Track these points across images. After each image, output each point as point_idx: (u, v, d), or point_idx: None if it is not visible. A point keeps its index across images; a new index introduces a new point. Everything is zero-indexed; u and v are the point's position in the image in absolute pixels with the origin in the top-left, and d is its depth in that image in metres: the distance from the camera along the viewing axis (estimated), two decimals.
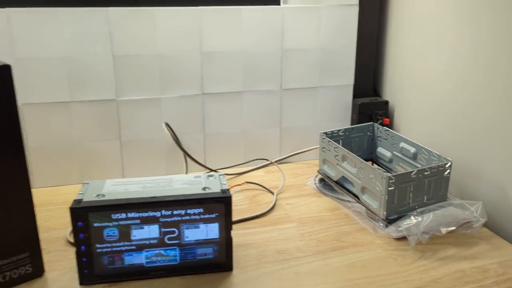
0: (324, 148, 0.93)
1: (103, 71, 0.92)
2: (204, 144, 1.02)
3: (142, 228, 0.62)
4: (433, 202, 0.79)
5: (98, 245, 0.61)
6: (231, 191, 0.92)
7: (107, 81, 0.92)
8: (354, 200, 0.85)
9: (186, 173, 0.98)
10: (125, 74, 0.93)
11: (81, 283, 0.63)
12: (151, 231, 0.62)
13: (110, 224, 0.61)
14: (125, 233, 0.62)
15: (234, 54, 0.98)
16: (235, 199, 0.89)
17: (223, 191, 0.64)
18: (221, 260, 0.65)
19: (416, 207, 0.78)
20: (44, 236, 0.76)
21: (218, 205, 0.63)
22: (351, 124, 1.10)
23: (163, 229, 0.62)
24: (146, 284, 0.63)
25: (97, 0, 0.97)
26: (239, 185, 0.93)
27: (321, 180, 0.96)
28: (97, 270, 0.62)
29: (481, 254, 0.70)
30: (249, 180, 0.96)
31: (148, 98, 0.96)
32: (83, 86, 0.91)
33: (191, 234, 0.63)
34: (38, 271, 0.65)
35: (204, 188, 0.65)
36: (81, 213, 0.60)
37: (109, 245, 0.62)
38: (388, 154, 0.95)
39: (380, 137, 0.97)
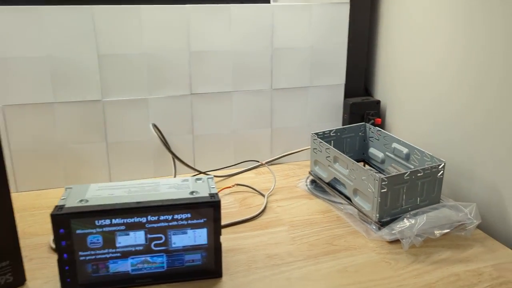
0: (316, 149, 0.91)
1: (88, 71, 0.89)
2: (193, 145, 1.00)
3: (128, 234, 0.60)
4: (426, 204, 0.77)
5: (81, 253, 0.59)
6: (221, 194, 0.90)
7: (92, 81, 0.90)
8: (346, 202, 0.83)
9: (175, 175, 0.96)
10: (111, 74, 0.90)
11: None
12: (137, 238, 0.60)
13: (94, 230, 0.58)
14: (109, 240, 0.59)
15: (223, 53, 0.96)
16: (225, 202, 0.87)
17: (212, 195, 0.62)
18: (210, 266, 0.63)
19: (409, 209, 0.76)
20: (26, 242, 0.73)
21: (207, 210, 0.61)
22: (343, 124, 1.09)
23: (149, 235, 0.60)
24: None
25: None
26: (229, 187, 0.91)
27: (313, 181, 0.94)
28: (80, 279, 0.60)
29: (475, 256, 0.69)
30: (239, 182, 0.94)
31: (135, 98, 0.93)
32: (67, 87, 0.89)
33: (179, 240, 0.61)
34: (19, 280, 0.62)
35: (192, 192, 0.63)
36: (63, 220, 0.57)
37: (92, 252, 0.59)
38: (380, 154, 0.94)
39: (372, 137, 0.95)
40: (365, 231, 0.76)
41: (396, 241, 0.72)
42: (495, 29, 0.75)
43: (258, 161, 1.04)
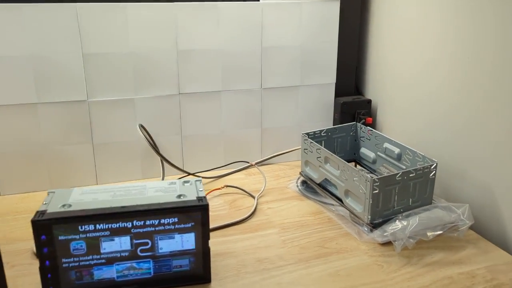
0: (306, 149, 0.90)
1: (72, 70, 0.86)
2: (181, 146, 0.98)
3: (113, 240, 0.58)
4: (418, 204, 0.76)
5: (64, 260, 0.57)
6: (210, 195, 0.88)
7: (77, 81, 0.87)
8: (338, 204, 0.82)
9: (163, 177, 0.94)
10: (96, 74, 0.88)
11: None
12: (122, 243, 0.58)
13: (77, 236, 0.56)
14: (93, 246, 0.57)
15: (212, 52, 0.94)
16: (214, 204, 0.85)
17: (199, 198, 0.60)
18: (198, 271, 0.62)
19: (401, 210, 0.75)
20: (8, 248, 0.70)
21: (194, 214, 0.59)
22: (334, 124, 1.08)
23: (135, 241, 0.58)
24: None
25: None
26: (219, 189, 0.89)
27: (304, 182, 0.93)
28: (63, 287, 0.58)
29: (468, 258, 0.68)
30: (229, 184, 0.92)
31: (121, 98, 0.91)
32: (51, 87, 0.86)
33: (166, 245, 0.59)
34: None
35: (179, 196, 0.61)
36: (45, 226, 0.55)
37: (76, 259, 0.57)
38: (371, 155, 0.92)
39: (363, 137, 0.94)
40: (356, 233, 0.75)
41: (388, 243, 0.71)
42: (484, 27, 0.74)
43: (248, 162, 1.02)
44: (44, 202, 0.59)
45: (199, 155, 0.99)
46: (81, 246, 0.57)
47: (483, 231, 0.77)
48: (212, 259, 0.68)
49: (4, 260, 0.66)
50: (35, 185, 0.90)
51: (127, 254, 0.58)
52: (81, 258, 0.57)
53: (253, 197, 0.88)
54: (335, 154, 0.94)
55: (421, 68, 0.91)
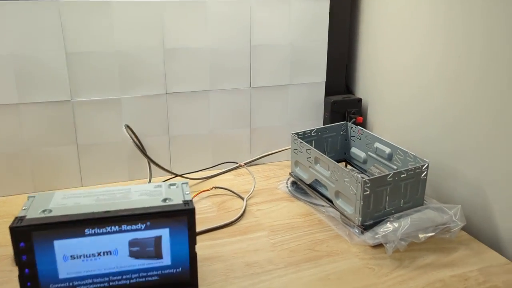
0: (296, 149, 0.88)
1: (55, 70, 0.84)
2: (169, 147, 0.95)
3: None
4: (410, 206, 0.75)
5: None
6: (199, 197, 0.86)
7: (61, 80, 0.85)
8: (328, 205, 0.80)
9: (150, 179, 0.91)
10: (80, 73, 0.86)
11: None
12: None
13: None
14: None
15: (199, 50, 0.92)
16: (202, 206, 0.83)
17: (186, 202, 0.58)
18: (185, 277, 0.60)
19: (393, 211, 0.74)
20: None
21: (180, 218, 0.57)
22: (324, 123, 1.06)
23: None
24: None
25: None
26: (207, 190, 0.88)
27: (294, 183, 0.91)
28: None
29: (460, 260, 0.67)
30: (217, 185, 0.91)
31: (106, 98, 0.88)
32: (33, 87, 0.83)
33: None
34: None
35: (164, 200, 0.59)
36: (23, 233, 0.53)
37: None
38: (362, 154, 0.91)
39: (354, 136, 0.93)
40: (347, 235, 0.74)
41: (379, 245, 0.70)
42: (474, 24, 0.73)
43: (237, 163, 1.00)
44: (24, 207, 0.56)
45: (187, 156, 0.97)
46: None
47: (475, 232, 0.77)
48: (199, 264, 0.66)
49: None
50: (17, 188, 0.87)
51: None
52: None
53: (242, 198, 0.86)
54: (325, 154, 0.92)
55: (412, 66, 0.89)
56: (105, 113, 0.89)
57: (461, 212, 0.71)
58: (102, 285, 0.57)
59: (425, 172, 0.75)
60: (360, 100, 1.04)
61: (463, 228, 0.73)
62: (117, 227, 0.55)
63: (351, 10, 1.04)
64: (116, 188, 0.62)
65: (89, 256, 0.55)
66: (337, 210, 0.78)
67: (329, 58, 1.04)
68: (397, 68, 0.94)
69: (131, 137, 0.87)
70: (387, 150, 0.84)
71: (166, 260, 0.58)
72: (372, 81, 1.03)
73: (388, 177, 0.72)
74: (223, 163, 1.00)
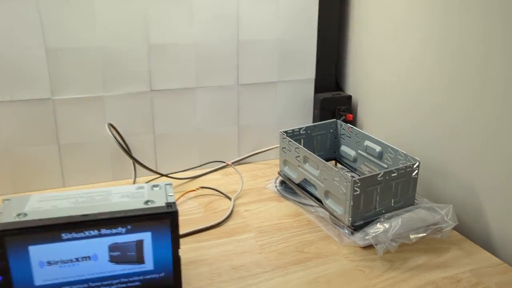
0: (285, 148, 0.86)
1: (35, 66, 0.81)
2: (154, 146, 0.93)
3: None
4: (400, 205, 0.74)
5: None
6: (185, 198, 0.84)
7: (40, 77, 0.81)
8: (317, 205, 0.78)
9: (135, 180, 0.89)
10: (61, 70, 0.82)
11: None
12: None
13: None
14: None
15: (185, 46, 0.89)
16: (188, 207, 0.81)
17: (168, 204, 0.56)
18: (168, 282, 0.57)
19: (383, 211, 0.72)
20: None
21: (162, 221, 0.55)
22: (313, 121, 1.04)
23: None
24: None
25: None
26: (193, 190, 0.85)
27: (282, 182, 0.89)
28: None
29: (452, 261, 0.65)
30: (204, 185, 0.88)
31: (89, 96, 0.85)
32: (11, 84, 0.80)
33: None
34: None
35: (146, 202, 0.57)
36: None
37: None
38: (352, 153, 0.89)
39: (344, 134, 0.91)
40: (337, 235, 0.72)
41: (370, 246, 0.68)
42: (470, 24, 0.71)
43: (224, 162, 0.98)
44: None
45: (173, 155, 0.95)
46: None
47: (467, 231, 0.75)
48: (184, 268, 0.63)
49: None
50: None
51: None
52: None
53: (230, 198, 0.84)
54: (314, 152, 0.90)
55: (404, 63, 0.88)
56: (88, 112, 0.86)
57: (453, 211, 0.70)
58: None
59: (416, 171, 0.73)
60: (350, 97, 1.02)
61: (455, 228, 0.72)
62: (96, 231, 0.53)
63: (340, 5, 1.02)
64: (96, 190, 0.59)
65: (67, 262, 0.53)
66: (327, 210, 0.76)
67: (319, 54, 1.02)
68: (389, 65, 0.92)
69: (114, 136, 0.84)
70: (378, 148, 0.82)
71: (149, 265, 0.56)
72: (363, 78, 1.01)
73: (379, 176, 0.70)
74: (209, 162, 0.97)
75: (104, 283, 0.55)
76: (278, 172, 0.90)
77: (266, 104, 1.00)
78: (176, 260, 0.57)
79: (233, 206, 0.81)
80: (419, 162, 0.73)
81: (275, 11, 0.94)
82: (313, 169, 0.79)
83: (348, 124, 0.90)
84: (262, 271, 0.63)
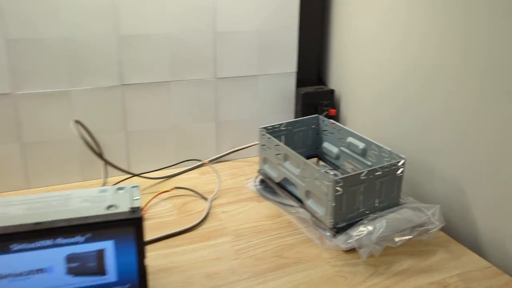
0: (264, 145, 0.82)
1: None
2: (126, 144, 0.87)
3: None
4: (385, 205, 0.70)
5: None
6: (158, 199, 0.79)
7: (0, 71, 0.76)
8: (298, 205, 0.74)
9: (105, 181, 0.84)
10: (23, 62, 0.76)
11: None
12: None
13: None
14: None
15: (158, 37, 0.84)
16: (161, 209, 0.76)
17: (133, 209, 0.51)
18: None
19: (367, 212, 0.68)
20: None
21: (126, 229, 0.50)
22: (295, 116, 1.00)
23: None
24: None
25: None
26: (167, 191, 0.80)
27: (262, 181, 0.85)
28: None
29: (439, 264, 0.62)
30: (180, 185, 0.83)
31: (54, 91, 0.80)
32: None
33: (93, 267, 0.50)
34: None
35: (109, 207, 0.52)
36: None
37: None
38: (334, 150, 0.85)
39: (326, 131, 0.87)
40: (319, 238, 0.68)
41: (353, 250, 0.64)
42: (452, 16, 0.67)
43: (200, 160, 0.93)
44: None
45: (147, 154, 0.89)
46: None
47: (454, 232, 0.72)
48: (153, 277, 0.59)
49: None
50: None
51: None
52: None
53: (206, 199, 0.79)
54: (296, 149, 0.86)
55: (388, 56, 0.84)
56: (53, 107, 0.80)
57: (439, 212, 0.66)
58: None
59: (402, 169, 0.70)
60: (332, 91, 0.98)
61: (442, 229, 0.68)
62: (51, 240, 0.48)
63: None
64: (54, 194, 0.54)
65: (18, 276, 0.48)
66: (308, 212, 0.72)
67: (300, 47, 0.97)
68: (372, 58, 0.88)
69: (80, 133, 0.78)
70: (361, 145, 0.78)
71: (111, 276, 0.51)
72: (346, 71, 0.97)
73: (362, 175, 0.66)
74: (185, 161, 0.92)
75: None
76: (258, 171, 0.85)
77: (245, 99, 0.95)
78: (142, 270, 0.52)
79: (210, 208, 0.76)
80: (405, 160, 0.69)
81: (254, 0, 0.89)
82: (293, 167, 0.74)
83: (331, 120, 0.86)
84: (238, 279, 0.59)
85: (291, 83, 0.98)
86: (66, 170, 0.84)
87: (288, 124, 0.85)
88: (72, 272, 0.50)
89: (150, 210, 0.75)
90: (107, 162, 0.78)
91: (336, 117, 0.99)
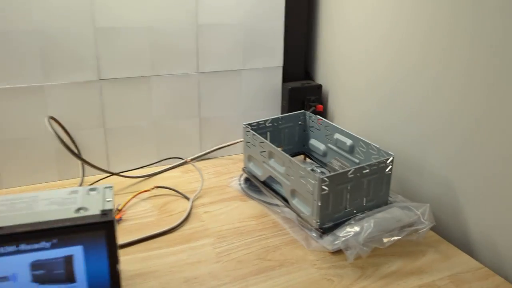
0: (249, 142, 0.78)
1: None
2: (105, 141, 0.84)
3: None
4: (373, 204, 0.67)
5: None
6: (137, 199, 0.75)
7: None
8: (284, 204, 0.71)
9: (82, 180, 0.80)
10: None
11: None
12: None
13: None
14: None
15: (138, 29, 0.80)
16: (140, 209, 0.73)
17: (104, 212, 0.48)
18: None
19: (354, 211, 0.65)
20: None
21: (96, 233, 0.47)
22: (282, 112, 0.97)
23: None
24: None
25: None
26: (147, 190, 0.77)
27: (247, 180, 0.82)
28: None
29: (429, 266, 0.59)
30: (161, 184, 0.80)
31: (26, 86, 0.76)
32: None
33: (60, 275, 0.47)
34: None
35: (78, 210, 0.48)
36: None
37: None
38: (321, 147, 0.82)
39: (313, 127, 0.84)
40: (304, 239, 0.65)
41: (339, 251, 0.62)
42: (438, 7, 0.65)
43: (182, 158, 0.90)
44: None
45: (127, 152, 0.86)
46: None
47: (444, 231, 0.69)
48: (129, 282, 0.55)
49: None
50: None
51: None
52: None
53: (188, 199, 0.76)
54: (282, 146, 0.83)
55: (375, 50, 0.81)
56: (26, 103, 0.76)
57: (429, 211, 0.64)
58: None
59: (390, 166, 0.67)
60: (320, 86, 0.95)
61: (432, 228, 0.66)
62: (13, 247, 0.44)
63: None
64: (20, 196, 0.51)
65: None
66: (293, 211, 0.69)
67: (287, 40, 0.94)
68: (359, 52, 0.85)
69: (55, 131, 0.74)
70: (348, 142, 0.76)
71: (81, 284, 0.48)
72: (333, 66, 0.94)
73: (349, 173, 0.63)
74: (166, 159, 0.89)
75: None
76: (243, 169, 0.82)
77: (229, 94, 0.92)
78: (115, 277, 0.49)
79: (191, 208, 0.73)
80: (393, 157, 0.67)
81: None
82: (278, 165, 0.71)
83: (318, 116, 0.83)
84: (218, 284, 0.56)
85: (277, 78, 0.95)
86: (41, 170, 0.80)
87: (274, 120, 0.82)
88: (38, 280, 0.46)
89: (128, 210, 0.72)
90: (83, 161, 0.75)
91: (323, 113, 0.96)
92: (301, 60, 0.98)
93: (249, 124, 0.79)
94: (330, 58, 0.94)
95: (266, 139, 0.80)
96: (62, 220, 0.46)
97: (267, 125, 0.82)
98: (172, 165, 0.88)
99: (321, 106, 0.94)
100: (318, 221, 0.63)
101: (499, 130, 0.59)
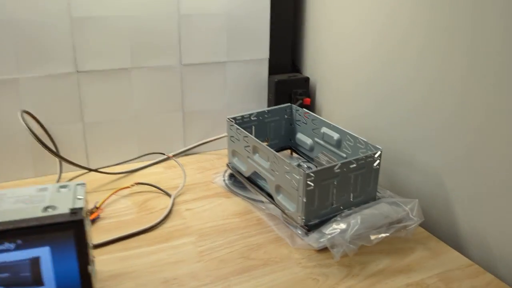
0: (233, 137, 0.76)
1: None
2: (84, 136, 0.80)
3: None
4: (361, 200, 0.65)
5: None
6: (117, 196, 0.73)
7: None
8: (268, 201, 0.69)
9: (60, 176, 0.77)
10: None
11: None
12: None
13: None
14: None
15: (116, 19, 0.77)
16: (119, 207, 0.70)
17: (74, 211, 0.45)
18: None
19: (341, 208, 0.63)
20: None
21: (64, 233, 0.44)
22: (268, 105, 0.94)
23: None
24: None
25: None
26: (127, 187, 0.74)
27: (231, 176, 0.79)
28: None
29: (418, 263, 0.57)
30: (142, 180, 0.77)
31: (0, 78, 0.72)
32: None
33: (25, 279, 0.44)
34: None
35: (46, 208, 0.45)
36: None
37: None
38: (308, 141, 0.80)
39: (300, 121, 0.82)
40: (289, 236, 0.63)
41: (325, 249, 0.59)
42: (437, 5, 0.62)
43: (164, 154, 0.87)
44: None
45: (107, 147, 0.83)
46: None
47: (434, 227, 0.67)
48: (104, 284, 0.53)
49: None
50: None
51: None
52: None
53: (169, 196, 0.73)
54: (268, 141, 0.81)
55: (365, 42, 0.78)
56: None
57: (418, 207, 0.61)
58: None
59: (378, 161, 0.65)
60: (307, 79, 0.92)
61: (421, 224, 0.64)
62: None
63: None
64: None
65: None
66: (278, 208, 0.66)
67: (273, 31, 0.91)
68: (349, 44, 0.83)
69: (27, 125, 0.71)
70: (336, 136, 0.73)
71: (50, 286, 0.45)
72: (322, 58, 0.91)
73: (335, 168, 0.61)
74: (147, 154, 0.86)
75: None
76: (227, 164, 0.80)
77: (214, 87, 0.89)
78: (86, 279, 0.46)
79: (173, 205, 0.70)
80: (381, 151, 0.65)
81: None
82: (263, 160, 0.69)
83: (304, 109, 0.80)
84: (198, 285, 0.53)
85: (263, 70, 0.92)
86: (16, 166, 0.77)
87: (259, 114, 0.80)
88: (2, 283, 0.43)
89: (107, 208, 0.69)
90: (59, 157, 0.71)
91: (311, 107, 0.94)
92: (288, 52, 0.95)
93: (233, 118, 0.77)
94: (318, 50, 0.92)
95: (251, 134, 0.78)
96: (27, 220, 0.43)
97: (252, 118, 0.79)
98: (154, 161, 0.85)
99: (308, 99, 0.91)
100: (304, 218, 0.61)
101: (489, 127, 0.57)
